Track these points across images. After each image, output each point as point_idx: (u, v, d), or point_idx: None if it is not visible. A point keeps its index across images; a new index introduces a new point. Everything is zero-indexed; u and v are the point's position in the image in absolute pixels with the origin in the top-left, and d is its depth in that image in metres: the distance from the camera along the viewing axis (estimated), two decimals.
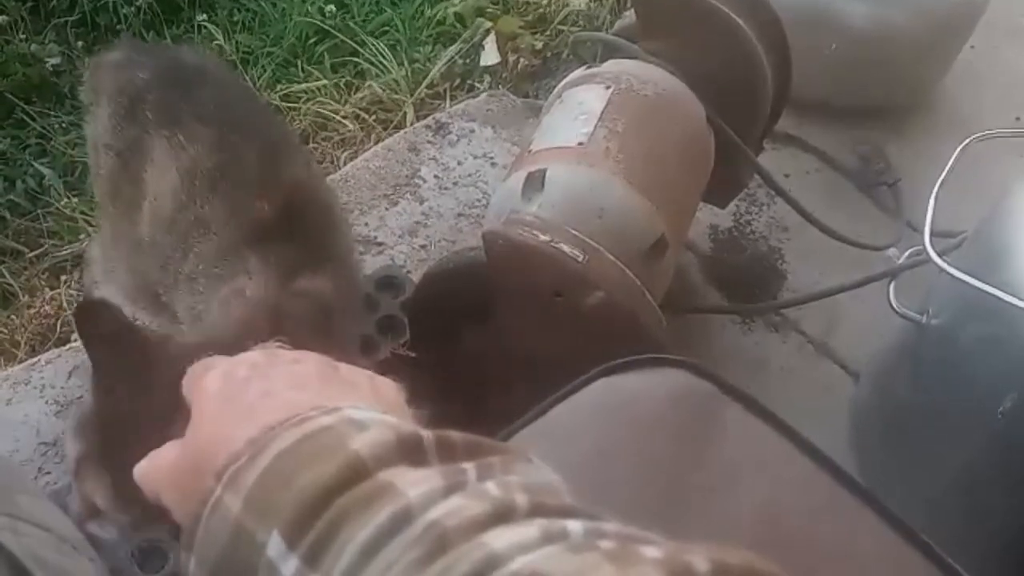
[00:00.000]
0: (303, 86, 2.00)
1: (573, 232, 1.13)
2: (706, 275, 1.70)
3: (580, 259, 1.09)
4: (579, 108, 1.33)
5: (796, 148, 1.90)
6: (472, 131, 1.79)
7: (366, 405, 0.49)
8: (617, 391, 0.65)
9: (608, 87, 1.34)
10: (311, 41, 2.13)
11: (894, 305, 1.41)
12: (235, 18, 2.19)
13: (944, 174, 1.38)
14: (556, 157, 1.27)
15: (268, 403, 0.49)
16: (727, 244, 1.74)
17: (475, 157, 1.76)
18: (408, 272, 1.56)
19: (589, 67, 1.43)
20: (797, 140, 1.90)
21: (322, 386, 0.52)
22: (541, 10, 2.12)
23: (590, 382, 0.66)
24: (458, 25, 2.09)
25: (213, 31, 2.09)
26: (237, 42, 2.10)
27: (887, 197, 1.86)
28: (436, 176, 1.71)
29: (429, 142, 1.77)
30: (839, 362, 1.62)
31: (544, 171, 1.23)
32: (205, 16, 2.16)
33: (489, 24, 2.05)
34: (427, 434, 0.44)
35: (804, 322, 1.65)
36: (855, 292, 1.62)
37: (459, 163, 1.74)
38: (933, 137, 1.92)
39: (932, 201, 1.35)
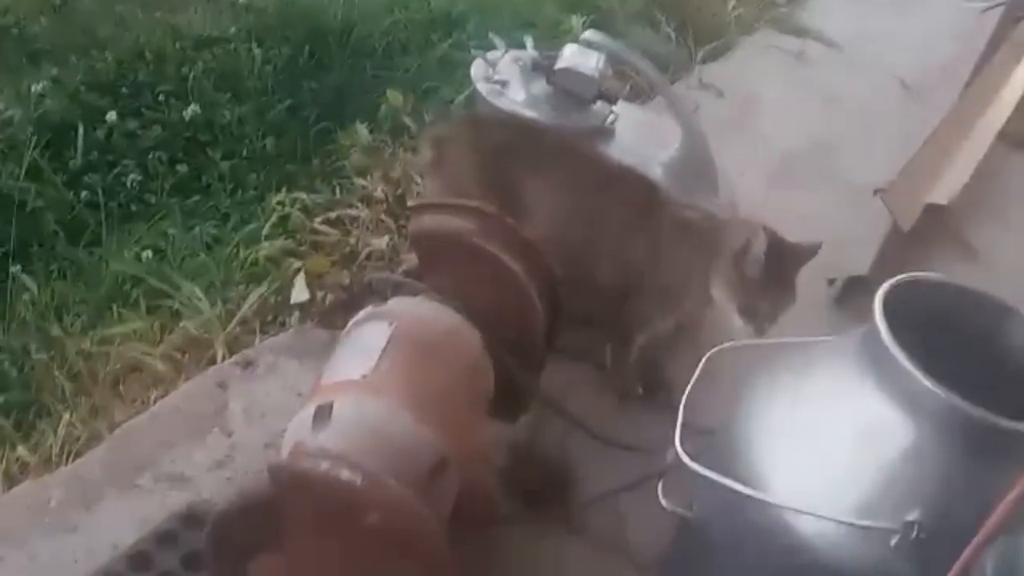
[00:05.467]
0: (117, 330, 2.08)
1: (354, 459, 1.24)
2: (505, 486, 1.81)
3: (358, 483, 1.19)
4: (364, 343, 1.47)
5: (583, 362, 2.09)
6: (280, 365, 1.91)
7: None
8: None
9: (390, 323, 1.50)
10: (127, 286, 2.23)
11: (663, 502, 1.55)
12: (51, 267, 2.27)
13: (691, 385, 1.56)
14: (342, 389, 1.40)
15: None
16: (523, 456, 1.87)
17: (283, 389, 1.86)
18: (215, 505, 1.61)
19: (376, 306, 1.58)
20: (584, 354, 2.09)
21: None
22: (349, 248, 2.30)
23: None
24: (270, 265, 2.24)
25: (27, 281, 2.16)
26: (52, 290, 2.18)
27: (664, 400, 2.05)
28: (244, 409, 1.80)
29: (238, 377, 1.87)
30: (631, 559, 1.74)
31: (331, 403, 1.35)
32: (20, 267, 2.23)
33: (299, 264, 2.21)
34: None
35: (597, 523, 1.78)
36: (643, 490, 1.76)
37: (267, 395, 1.84)
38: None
39: (681, 408, 1.52)
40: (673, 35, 3.15)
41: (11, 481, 1.74)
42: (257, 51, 2.89)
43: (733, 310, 1.72)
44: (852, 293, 2.30)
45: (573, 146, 1.96)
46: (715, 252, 1.77)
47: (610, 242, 1.86)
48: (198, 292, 2.15)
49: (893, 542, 1.17)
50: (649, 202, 1.84)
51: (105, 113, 2.64)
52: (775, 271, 1.68)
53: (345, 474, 1.20)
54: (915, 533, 1.16)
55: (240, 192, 2.56)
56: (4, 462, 1.76)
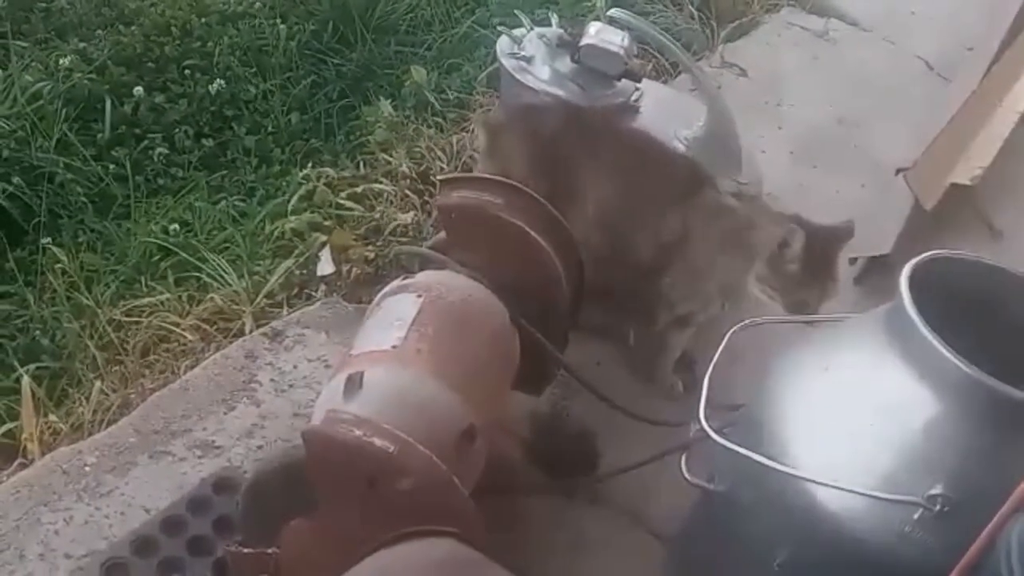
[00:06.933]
0: (146, 300, 2.11)
1: (386, 426, 1.26)
2: (528, 457, 1.84)
3: (391, 450, 1.22)
4: (394, 315, 1.50)
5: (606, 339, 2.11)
6: (307, 337, 1.94)
7: None
8: (394, 559, 0.77)
9: (420, 295, 1.52)
10: (155, 258, 2.26)
11: (686, 475, 1.58)
12: (80, 239, 2.30)
13: (715, 359, 1.58)
14: (373, 359, 1.43)
15: None
16: (547, 427, 1.90)
17: (309, 361, 1.89)
18: (245, 473, 1.65)
19: (404, 278, 1.61)
20: (605, 329, 2.11)
21: None
22: (374, 223, 2.32)
23: (374, 551, 0.77)
24: (296, 239, 2.26)
25: (57, 253, 2.19)
26: (81, 262, 2.21)
27: (687, 375, 2.07)
28: (272, 380, 1.83)
29: (266, 349, 1.90)
30: (651, 530, 1.77)
31: (362, 373, 1.38)
32: (50, 239, 2.26)
33: (324, 238, 2.23)
34: None
35: (619, 494, 1.80)
36: (664, 463, 1.78)
37: (295, 367, 1.87)
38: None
39: (707, 382, 1.54)
40: (696, 13, 3.13)
41: (44, 447, 1.78)
42: (281, 26, 2.89)
43: (779, 307, 1.73)
44: (873, 272, 2.31)
45: (620, 129, 1.98)
46: (746, 244, 1.78)
47: (651, 223, 1.87)
48: (225, 265, 2.18)
49: (917, 515, 1.19)
50: (691, 186, 1.85)
51: (132, 87, 2.65)
52: (816, 262, 1.69)
53: (378, 441, 1.22)
54: (939, 506, 1.18)
55: (265, 167, 2.58)
56: (38, 428, 1.80)
